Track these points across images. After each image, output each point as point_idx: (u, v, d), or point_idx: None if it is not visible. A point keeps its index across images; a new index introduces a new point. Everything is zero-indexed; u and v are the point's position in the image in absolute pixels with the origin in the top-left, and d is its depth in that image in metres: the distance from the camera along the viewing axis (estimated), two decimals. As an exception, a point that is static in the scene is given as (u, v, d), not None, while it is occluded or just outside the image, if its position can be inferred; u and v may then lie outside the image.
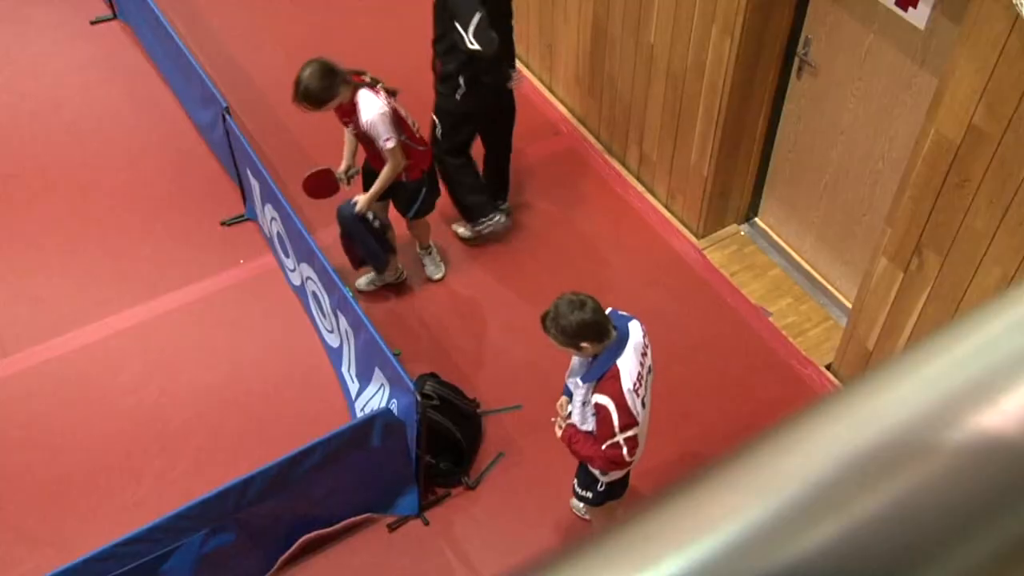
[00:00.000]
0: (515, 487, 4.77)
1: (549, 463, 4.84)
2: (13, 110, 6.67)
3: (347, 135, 4.98)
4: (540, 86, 6.85)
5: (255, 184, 5.58)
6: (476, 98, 5.16)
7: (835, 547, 0.50)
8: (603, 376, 3.46)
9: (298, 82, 4.49)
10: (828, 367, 5.25)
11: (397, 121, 4.69)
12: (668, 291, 5.62)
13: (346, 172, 5.06)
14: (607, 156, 6.36)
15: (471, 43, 4.67)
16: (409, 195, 5.06)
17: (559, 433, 3.82)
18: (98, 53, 7.11)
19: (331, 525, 4.52)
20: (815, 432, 0.56)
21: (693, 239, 5.90)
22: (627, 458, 3.50)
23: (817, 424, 0.56)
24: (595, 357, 3.51)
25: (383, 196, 4.94)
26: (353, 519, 4.57)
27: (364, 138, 4.76)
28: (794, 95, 5.26)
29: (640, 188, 6.20)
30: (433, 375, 4.82)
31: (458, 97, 5.14)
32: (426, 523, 4.62)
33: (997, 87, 3.64)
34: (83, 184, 6.20)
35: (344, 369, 5.04)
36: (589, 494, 3.95)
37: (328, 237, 5.39)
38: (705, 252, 5.85)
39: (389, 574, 4.48)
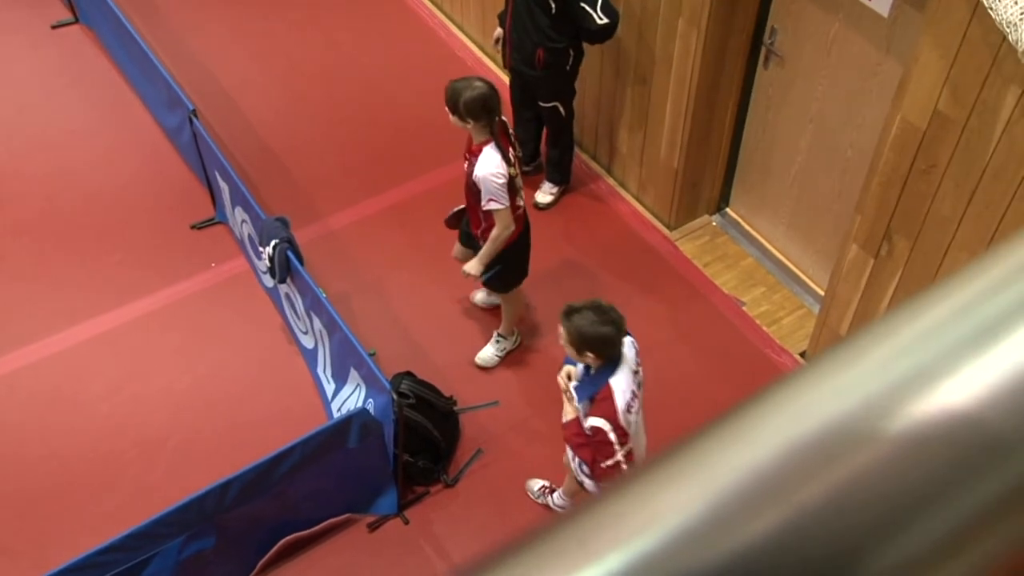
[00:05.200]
0: (493, 483, 4.77)
1: (527, 458, 4.85)
2: (-24, 117, 6.58)
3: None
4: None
5: (224, 187, 5.54)
6: (578, 59, 5.46)
7: (779, 536, 0.50)
8: (596, 395, 3.48)
9: (464, 81, 4.27)
10: (802, 355, 5.29)
11: (511, 191, 4.43)
12: (641, 283, 5.64)
13: None
14: (577, 150, 6.36)
15: (600, 19, 5.00)
16: None
17: (568, 415, 3.67)
18: (60, 58, 7.03)
19: (311, 527, 4.51)
20: (758, 422, 0.56)
21: (665, 231, 5.93)
22: (624, 469, 3.49)
23: (760, 414, 0.57)
24: (591, 369, 3.52)
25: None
26: (333, 520, 4.56)
27: (470, 189, 4.51)
28: (762, 85, 5.29)
29: (611, 181, 6.22)
30: (408, 374, 4.81)
31: (568, 68, 5.41)
32: (406, 522, 4.61)
33: (960, 73, 3.68)
34: (50, 191, 6.13)
35: (320, 370, 5.02)
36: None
37: (300, 237, 5.36)
38: (677, 243, 5.87)
39: (370, 574, 4.47)
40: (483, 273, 4.71)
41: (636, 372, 3.57)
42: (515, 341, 5.30)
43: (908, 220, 4.22)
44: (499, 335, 5.23)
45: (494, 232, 4.51)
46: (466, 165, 4.51)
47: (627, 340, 3.56)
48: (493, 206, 4.40)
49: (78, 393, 5.10)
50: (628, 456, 3.50)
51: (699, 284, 5.66)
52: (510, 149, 4.41)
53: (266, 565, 4.43)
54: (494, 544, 0.53)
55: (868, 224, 4.43)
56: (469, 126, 4.31)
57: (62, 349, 5.29)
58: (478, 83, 4.25)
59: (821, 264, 5.40)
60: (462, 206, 4.84)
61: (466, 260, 4.95)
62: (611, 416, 3.42)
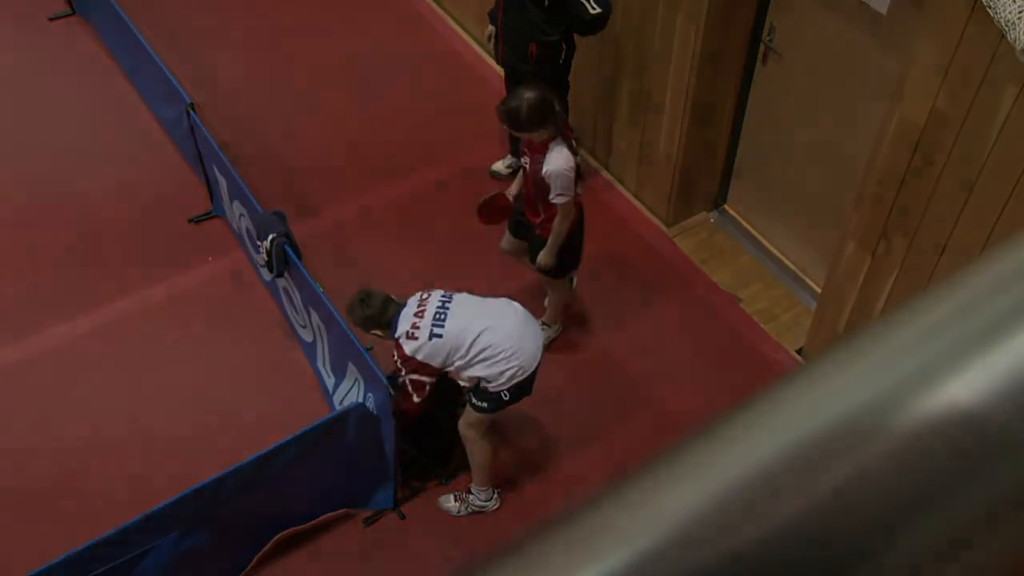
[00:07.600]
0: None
1: (523, 455, 4.85)
2: (-28, 110, 6.56)
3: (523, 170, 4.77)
4: (507, 77, 6.83)
5: (222, 181, 5.53)
6: (571, 53, 5.44)
7: (783, 534, 0.50)
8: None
9: (513, 99, 4.34)
10: (799, 351, 5.30)
11: (577, 179, 4.54)
12: (638, 279, 5.64)
13: (514, 197, 4.89)
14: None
15: (593, 8, 4.97)
16: (538, 248, 4.83)
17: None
18: (57, 50, 7.01)
19: (307, 521, 4.51)
20: (763, 420, 0.56)
21: (663, 227, 5.93)
22: (415, 398, 4.14)
23: (765, 411, 0.57)
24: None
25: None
26: (329, 514, 4.56)
27: (537, 184, 4.56)
28: (760, 82, 5.28)
29: (609, 177, 6.22)
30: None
31: (561, 62, 5.40)
32: (402, 517, 4.61)
33: (958, 71, 3.68)
34: (44, 184, 6.11)
35: (319, 364, 5.02)
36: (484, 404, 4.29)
37: (298, 231, 5.35)
38: (675, 240, 5.87)
39: (366, 568, 4.47)
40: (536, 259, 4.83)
41: (422, 306, 4.12)
42: (557, 330, 5.29)
43: (905, 218, 4.22)
44: (543, 323, 5.14)
45: (557, 222, 4.58)
46: (527, 162, 4.58)
47: (410, 301, 4.21)
48: (561, 200, 4.48)
49: (74, 387, 5.09)
50: (413, 384, 4.13)
51: (696, 280, 5.66)
52: (572, 138, 4.49)
53: (262, 559, 4.43)
54: (494, 542, 0.53)
55: (865, 221, 4.43)
56: (532, 134, 4.39)
57: (58, 344, 5.28)
58: (527, 94, 4.30)
59: (818, 261, 5.40)
60: (493, 192, 4.88)
61: (515, 251, 5.07)
62: (400, 352, 4.10)
